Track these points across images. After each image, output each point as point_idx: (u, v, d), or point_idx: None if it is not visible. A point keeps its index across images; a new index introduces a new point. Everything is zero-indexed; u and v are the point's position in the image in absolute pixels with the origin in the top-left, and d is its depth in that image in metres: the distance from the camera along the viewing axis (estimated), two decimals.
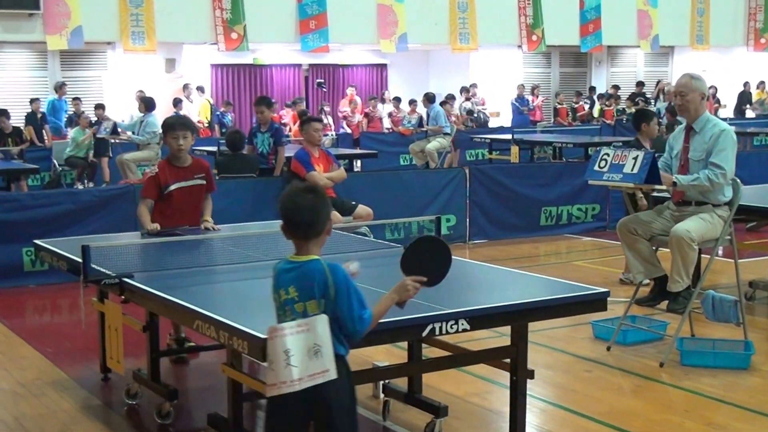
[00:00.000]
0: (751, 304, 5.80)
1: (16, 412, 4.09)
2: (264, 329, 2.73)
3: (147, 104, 11.40)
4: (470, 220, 8.31)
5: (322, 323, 2.47)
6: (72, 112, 13.23)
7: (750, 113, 18.33)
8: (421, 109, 13.96)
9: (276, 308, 2.57)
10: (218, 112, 15.29)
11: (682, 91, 4.71)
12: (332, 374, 2.47)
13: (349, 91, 16.35)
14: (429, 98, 13.13)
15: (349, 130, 15.30)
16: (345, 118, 15.63)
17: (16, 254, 6.66)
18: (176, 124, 4.87)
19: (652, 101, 17.47)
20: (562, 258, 7.94)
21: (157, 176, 4.79)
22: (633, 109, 14.66)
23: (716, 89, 17.75)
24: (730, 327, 4.79)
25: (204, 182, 4.88)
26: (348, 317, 2.51)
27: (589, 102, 17.96)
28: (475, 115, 16.53)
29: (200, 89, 15.52)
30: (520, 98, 17.06)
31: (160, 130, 11.59)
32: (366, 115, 15.72)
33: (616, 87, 18.20)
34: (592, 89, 18.45)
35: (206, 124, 15.02)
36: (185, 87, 15.04)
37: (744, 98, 18.53)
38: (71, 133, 11.95)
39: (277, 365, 2.44)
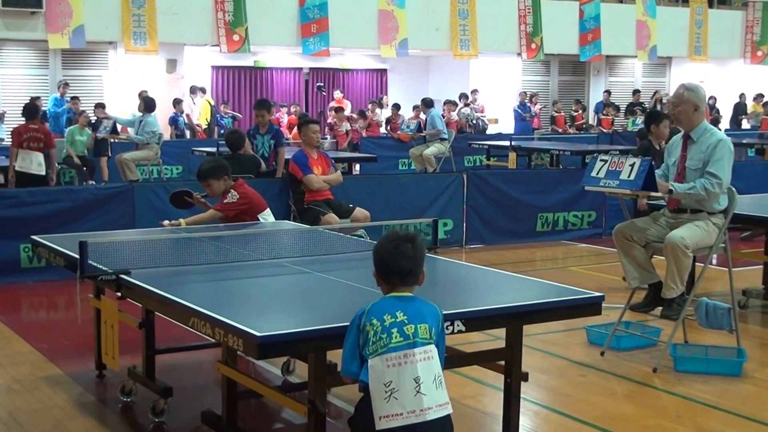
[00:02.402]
0: (744, 312, 5.83)
1: (11, 407, 4.10)
2: (260, 327, 2.76)
3: (147, 104, 11.43)
4: (467, 225, 8.34)
5: (438, 353, 2.43)
6: (68, 111, 13.24)
7: (746, 124, 18.44)
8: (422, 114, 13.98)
9: (371, 336, 2.42)
10: (218, 114, 15.30)
11: (675, 101, 4.79)
12: (450, 407, 2.40)
13: (337, 95, 15.97)
14: (426, 103, 13.17)
15: (333, 140, 14.55)
16: (332, 127, 15.00)
17: (13, 251, 6.68)
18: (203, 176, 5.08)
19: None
20: (558, 263, 7.97)
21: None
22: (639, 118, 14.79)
23: (715, 99, 17.84)
24: (723, 334, 4.82)
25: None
26: (442, 358, 2.47)
27: (580, 110, 18.07)
28: (474, 121, 16.59)
29: (202, 90, 15.55)
30: (522, 105, 17.12)
31: (160, 130, 11.66)
32: (362, 114, 15.66)
33: (608, 92, 18.29)
34: (578, 102, 18.51)
35: (205, 126, 15.05)
36: (192, 90, 15.07)
37: (740, 110, 18.63)
38: (68, 131, 11.96)
39: (403, 393, 2.32)
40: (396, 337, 2.39)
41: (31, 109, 9.11)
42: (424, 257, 2.56)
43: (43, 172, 8.85)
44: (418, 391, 2.34)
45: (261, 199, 5.25)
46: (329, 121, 15.13)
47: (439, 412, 2.38)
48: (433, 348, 2.42)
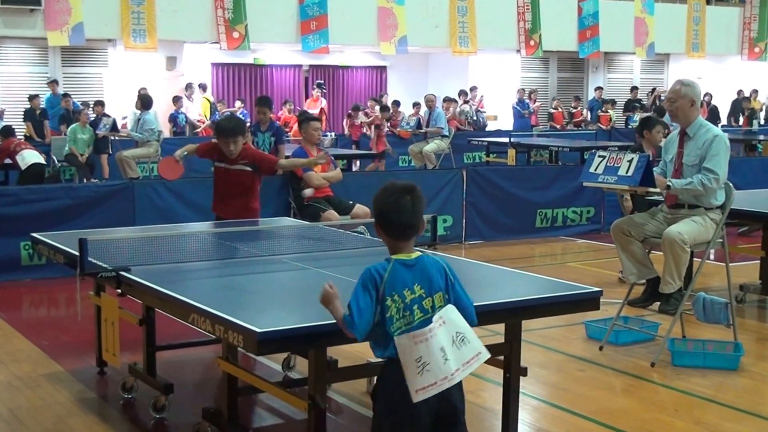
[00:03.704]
0: (741, 307, 5.85)
1: (12, 404, 4.11)
2: (260, 323, 2.77)
3: (144, 102, 11.44)
4: (466, 221, 8.36)
5: (453, 312, 2.50)
6: (62, 109, 13.24)
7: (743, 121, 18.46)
8: (422, 111, 13.98)
9: (396, 312, 2.48)
10: (216, 113, 15.25)
11: (672, 97, 4.81)
12: (485, 354, 2.50)
13: (315, 92, 15.77)
14: (431, 100, 13.21)
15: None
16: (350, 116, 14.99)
17: (14, 248, 6.69)
18: (227, 133, 5.36)
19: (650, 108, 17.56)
20: (557, 259, 7.99)
21: (215, 144, 5.48)
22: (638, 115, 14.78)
23: (711, 96, 17.85)
24: (720, 328, 4.84)
25: (249, 169, 5.44)
26: (467, 303, 2.57)
27: (579, 107, 18.09)
28: (474, 118, 16.59)
29: (202, 87, 15.54)
30: (521, 102, 17.13)
31: (159, 127, 11.67)
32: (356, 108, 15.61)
33: (600, 89, 18.30)
34: (577, 99, 18.51)
35: (206, 123, 15.04)
36: (188, 86, 15.07)
37: (737, 106, 18.64)
38: (70, 129, 11.98)
39: (434, 365, 2.43)
40: (417, 314, 2.49)
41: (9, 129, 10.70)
42: (423, 208, 2.59)
43: (43, 161, 10.15)
44: (446, 359, 2.45)
45: None
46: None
47: (470, 367, 2.49)
48: (446, 311, 2.49)
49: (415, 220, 2.54)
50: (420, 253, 2.59)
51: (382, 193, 2.57)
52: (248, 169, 5.44)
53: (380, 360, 2.63)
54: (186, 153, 5.72)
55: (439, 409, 2.51)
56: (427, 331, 2.44)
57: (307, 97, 17.04)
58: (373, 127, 13.40)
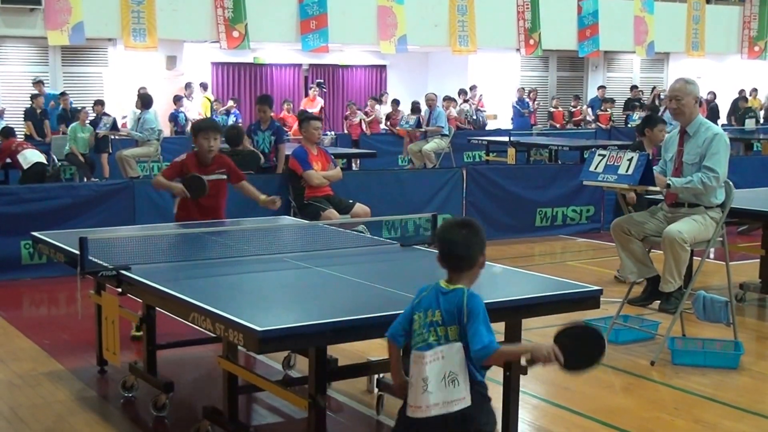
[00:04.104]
0: (741, 306, 5.86)
1: (12, 402, 4.12)
2: (260, 322, 2.78)
3: (144, 101, 11.44)
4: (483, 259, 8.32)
5: (458, 351, 2.54)
6: (58, 108, 13.22)
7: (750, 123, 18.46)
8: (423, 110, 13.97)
9: (418, 327, 2.59)
10: (214, 112, 15.20)
11: (677, 95, 4.77)
12: (467, 401, 2.53)
13: (312, 91, 15.65)
14: (431, 99, 13.21)
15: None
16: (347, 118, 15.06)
17: (14, 247, 6.69)
18: (209, 128, 5.27)
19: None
20: (557, 258, 7.99)
21: (183, 163, 5.21)
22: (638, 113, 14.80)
23: (715, 95, 17.86)
24: (720, 327, 4.84)
25: (225, 177, 5.29)
26: (473, 339, 2.55)
27: (579, 106, 18.09)
28: (474, 117, 16.59)
29: (203, 86, 15.53)
30: (521, 101, 17.13)
31: (159, 127, 11.68)
32: (366, 113, 15.69)
33: (603, 87, 18.30)
34: (577, 98, 18.50)
35: None
36: (187, 86, 15.07)
37: (737, 105, 18.64)
38: (70, 128, 11.98)
39: (416, 389, 2.54)
40: (432, 336, 2.56)
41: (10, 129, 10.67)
42: (479, 243, 2.62)
43: (44, 160, 10.19)
44: (425, 390, 2.51)
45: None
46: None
47: (446, 409, 2.52)
48: (447, 348, 2.53)
49: (467, 252, 2.61)
50: (460, 287, 2.60)
51: (442, 224, 2.75)
52: (224, 177, 5.28)
53: (382, 359, 2.65)
54: (170, 190, 5.26)
55: (449, 423, 2.54)
56: (420, 356, 2.54)
57: (307, 97, 17.02)
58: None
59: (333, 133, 14.41)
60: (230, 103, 15.26)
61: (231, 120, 14.54)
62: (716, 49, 18.86)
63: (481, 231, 2.65)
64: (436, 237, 2.73)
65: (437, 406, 2.50)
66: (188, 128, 14.49)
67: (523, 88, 17.60)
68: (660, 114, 12.85)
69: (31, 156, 10.01)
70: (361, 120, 15.08)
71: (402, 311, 2.70)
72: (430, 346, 2.54)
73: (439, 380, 2.50)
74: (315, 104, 15.23)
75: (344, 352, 4.30)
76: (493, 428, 2.69)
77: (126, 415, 4.03)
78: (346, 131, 15.00)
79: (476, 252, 2.61)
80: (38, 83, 13.45)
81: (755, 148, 14.11)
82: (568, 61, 19.49)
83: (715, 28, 18.55)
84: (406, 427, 2.61)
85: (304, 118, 7.63)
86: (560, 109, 18.00)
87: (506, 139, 13.20)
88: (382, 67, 18.69)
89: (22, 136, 12.33)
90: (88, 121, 12.10)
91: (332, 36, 14.23)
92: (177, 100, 14.42)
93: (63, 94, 13.37)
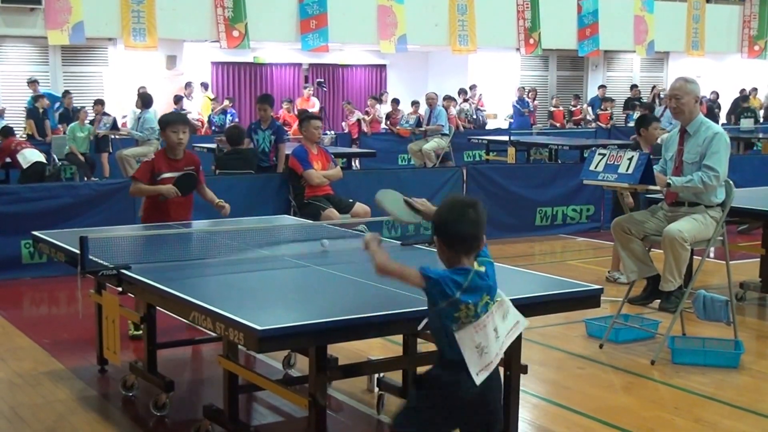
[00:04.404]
0: (742, 305, 5.86)
1: (13, 401, 4.12)
2: (260, 321, 2.78)
3: (144, 101, 11.44)
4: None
5: (501, 294, 2.63)
6: (61, 107, 13.20)
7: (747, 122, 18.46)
8: (422, 110, 13.96)
9: (462, 317, 2.53)
10: (211, 113, 15.16)
11: (677, 94, 4.77)
12: (524, 321, 2.68)
13: (306, 91, 15.57)
14: (432, 98, 13.21)
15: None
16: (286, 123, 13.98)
17: (15, 247, 6.69)
18: (177, 120, 5.22)
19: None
20: (557, 257, 7.99)
21: (152, 162, 5.15)
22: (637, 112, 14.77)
23: (717, 95, 17.85)
24: (720, 326, 4.85)
25: (194, 173, 5.17)
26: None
27: (579, 105, 18.10)
28: (474, 116, 16.59)
29: (204, 86, 15.51)
30: (521, 100, 17.14)
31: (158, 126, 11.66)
32: (366, 113, 15.69)
33: (603, 87, 18.30)
34: (577, 97, 18.51)
35: (206, 122, 15.03)
36: (187, 85, 15.07)
37: (738, 105, 18.64)
38: (69, 128, 11.98)
39: (490, 345, 2.57)
40: (481, 313, 2.59)
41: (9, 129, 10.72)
42: (485, 222, 2.59)
43: (43, 159, 10.17)
44: (497, 337, 2.59)
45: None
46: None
47: (510, 338, 2.64)
48: (499, 295, 2.61)
49: (479, 233, 2.57)
50: (487, 261, 2.60)
51: (446, 206, 2.59)
52: (194, 174, 5.13)
53: (382, 358, 2.64)
54: (156, 193, 5.07)
55: (482, 401, 2.59)
56: (485, 317, 2.56)
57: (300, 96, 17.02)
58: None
59: (333, 132, 14.40)
60: (226, 102, 15.24)
61: (228, 119, 14.54)
62: (716, 48, 18.85)
63: (484, 208, 2.61)
64: (443, 219, 2.56)
65: (504, 344, 2.61)
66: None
67: (523, 88, 17.61)
68: (660, 113, 12.88)
69: (30, 155, 10.04)
70: (359, 120, 15.05)
71: (403, 309, 2.72)
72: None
73: (501, 321, 2.59)
74: (310, 104, 15.21)
75: (344, 351, 4.31)
76: None
77: (126, 415, 4.03)
78: (346, 130, 14.99)
79: (484, 231, 2.60)
80: (33, 83, 13.45)
81: (755, 148, 14.11)
82: (568, 60, 19.49)
83: (715, 27, 18.55)
84: (437, 417, 2.58)
85: (304, 117, 7.63)
86: (561, 108, 17.99)
87: (506, 138, 13.20)
88: (382, 67, 18.69)
89: (24, 136, 12.34)
90: (87, 121, 12.11)
91: (332, 35, 14.23)
92: (177, 99, 14.42)
93: (67, 93, 13.34)
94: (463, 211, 2.53)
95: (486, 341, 2.56)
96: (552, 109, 18.06)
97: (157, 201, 5.04)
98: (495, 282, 2.61)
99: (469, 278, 2.53)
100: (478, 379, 2.55)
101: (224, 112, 14.91)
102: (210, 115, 15.02)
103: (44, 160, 10.24)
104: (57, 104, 13.47)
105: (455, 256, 2.56)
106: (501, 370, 2.89)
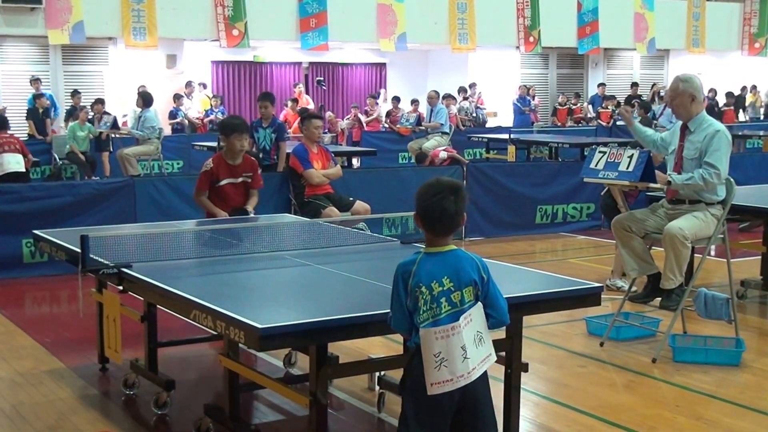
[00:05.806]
0: (743, 303, 5.86)
1: (14, 400, 4.12)
2: (261, 319, 2.78)
3: (145, 100, 11.44)
4: (466, 217, 8.34)
5: (480, 310, 2.53)
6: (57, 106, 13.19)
7: (742, 116, 18.48)
8: (422, 108, 13.96)
9: (423, 304, 2.49)
10: (207, 109, 15.14)
11: (671, 94, 4.82)
12: (494, 356, 2.56)
13: (297, 89, 15.44)
14: (432, 97, 13.20)
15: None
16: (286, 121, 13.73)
17: (16, 246, 6.70)
18: (242, 128, 5.43)
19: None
20: (557, 255, 8.00)
21: (210, 172, 5.32)
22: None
23: (716, 93, 17.84)
24: (721, 324, 4.85)
25: (250, 180, 5.47)
26: (497, 303, 2.58)
27: (579, 103, 18.09)
28: (473, 114, 16.59)
29: (202, 85, 15.50)
30: (522, 98, 17.13)
31: (159, 125, 11.67)
32: (366, 113, 15.70)
33: (603, 85, 18.29)
34: (577, 95, 18.48)
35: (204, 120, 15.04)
36: (187, 84, 15.07)
37: (739, 102, 18.64)
38: (69, 127, 11.98)
39: (452, 361, 2.46)
40: (445, 307, 2.49)
41: (2, 120, 9.80)
42: (465, 206, 2.59)
43: (23, 169, 9.28)
44: (465, 357, 2.47)
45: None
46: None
47: (483, 367, 2.52)
48: (474, 309, 2.51)
49: (457, 219, 2.56)
50: (454, 247, 2.58)
51: (427, 189, 2.56)
52: (250, 180, 5.47)
53: (383, 356, 2.64)
54: (212, 212, 5.38)
55: (461, 400, 2.53)
56: (450, 328, 2.46)
57: (307, 94, 17.01)
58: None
59: (345, 121, 14.39)
60: (214, 100, 15.14)
61: (218, 116, 14.51)
62: (717, 45, 18.84)
63: (464, 189, 2.61)
64: (422, 202, 2.53)
65: (475, 370, 2.49)
66: (188, 129, 14.50)
67: (524, 86, 17.60)
68: (660, 111, 12.87)
69: (8, 163, 9.10)
70: (357, 121, 15.00)
71: None
72: (460, 313, 2.47)
73: (471, 343, 2.48)
74: (303, 101, 15.16)
75: (345, 350, 4.31)
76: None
77: (127, 413, 4.03)
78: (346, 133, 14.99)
79: (463, 214, 2.58)
80: (35, 81, 13.45)
81: (756, 145, 14.10)
82: (568, 58, 19.47)
83: (716, 24, 18.54)
84: (436, 404, 2.51)
85: (305, 116, 7.63)
86: (567, 106, 17.95)
87: (506, 136, 13.20)
88: (382, 65, 18.69)
89: (25, 136, 12.32)
90: (87, 120, 12.10)
91: (332, 34, 14.23)
92: (177, 98, 14.42)
93: (76, 92, 13.31)
94: (444, 198, 2.52)
95: (448, 355, 2.45)
96: (557, 106, 18.02)
97: (213, 198, 5.36)
98: (472, 273, 2.52)
99: (417, 260, 2.53)
100: (430, 391, 2.46)
101: (211, 109, 14.83)
102: (209, 111, 15.05)
103: (23, 170, 9.22)
104: (52, 110, 13.37)
105: (433, 238, 2.57)
106: (495, 367, 2.88)
